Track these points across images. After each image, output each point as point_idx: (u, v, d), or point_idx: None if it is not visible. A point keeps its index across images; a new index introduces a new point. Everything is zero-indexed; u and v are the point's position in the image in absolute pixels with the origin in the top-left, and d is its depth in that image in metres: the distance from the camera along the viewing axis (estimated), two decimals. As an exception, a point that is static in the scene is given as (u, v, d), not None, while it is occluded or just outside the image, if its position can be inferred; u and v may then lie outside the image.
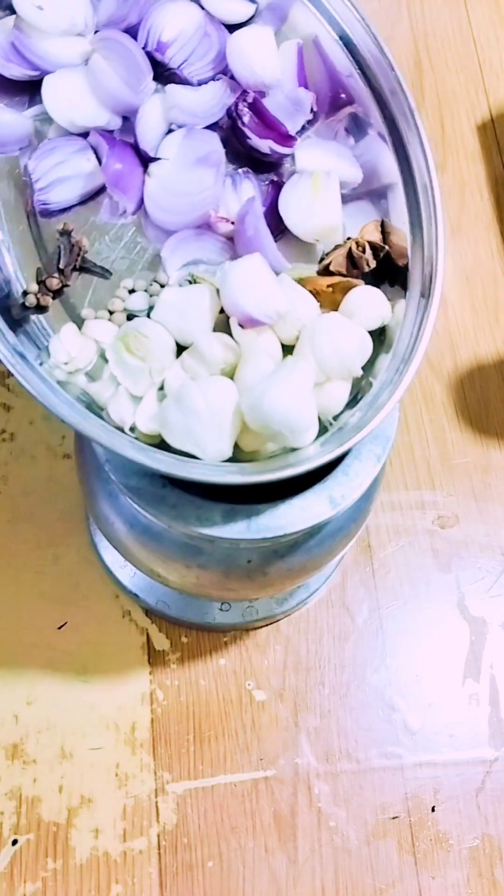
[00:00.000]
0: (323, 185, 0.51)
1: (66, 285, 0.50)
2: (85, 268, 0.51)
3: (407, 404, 0.81)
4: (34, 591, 0.73)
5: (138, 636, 0.72)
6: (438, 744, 0.71)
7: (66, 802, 0.67)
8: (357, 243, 0.51)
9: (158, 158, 0.51)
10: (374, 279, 0.51)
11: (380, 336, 0.51)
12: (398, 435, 0.74)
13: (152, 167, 0.51)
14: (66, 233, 0.51)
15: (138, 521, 0.55)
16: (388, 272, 0.52)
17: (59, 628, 0.72)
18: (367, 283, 0.51)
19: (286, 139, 0.52)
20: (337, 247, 0.52)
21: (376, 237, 0.51)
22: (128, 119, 0.53)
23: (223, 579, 0.56)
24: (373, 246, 0.51)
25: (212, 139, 0.52)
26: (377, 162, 0.53)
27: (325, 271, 0.51)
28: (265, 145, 0.52)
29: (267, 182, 0.53)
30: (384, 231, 0.52)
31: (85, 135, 0.52)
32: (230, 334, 0.49)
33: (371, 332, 0.50)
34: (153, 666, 0.71)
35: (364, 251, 0.51)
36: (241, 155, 0.53)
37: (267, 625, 0.73)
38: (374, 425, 0.47)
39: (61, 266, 0.50)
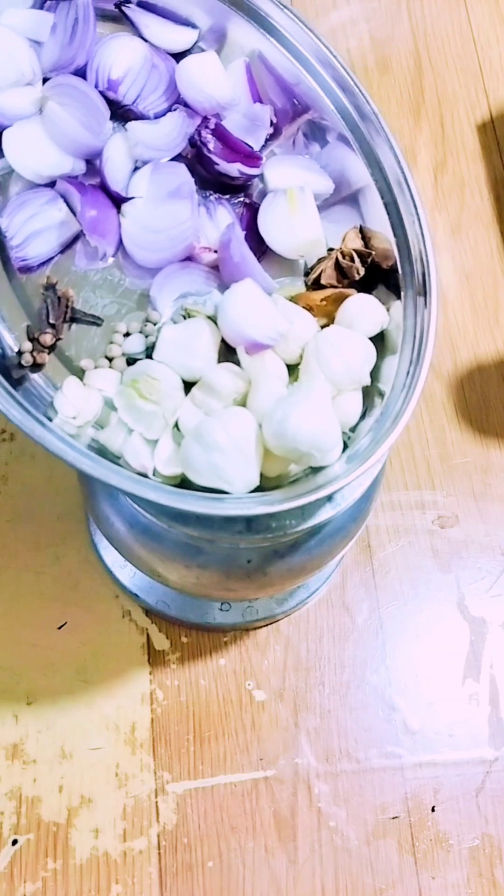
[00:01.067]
0: (299, 201, 0.51)
1: (59, 339, 0.50)
2: (75, 318, 0.51)
3: (407, 404, 0.81)
4: (34, 591, 0.73)
5: (138, 636, 0.72)
6: (438, 744, 0.71)
7: (66, 802, 0.67)
8: (343, 253, 0.51)
9: (130, 198, 0.51)
10: (361, 286, 0.51)
11: (380, 341, 0.51)
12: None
13: (126, 207, 0.51)
14: (50, 286, 0.50)
15: (138, 521, 0.55)
16: (375, 276, 0.52)
17: (59, 628, 0.72)
18: (358, 292, 0.51)
19: (252, 159, 0.53)
20: (321, 260, 0.52)
21: (359, 244, 0.51)
22: (90, 162, 0.52)
23: (223, 579, 0.56)
24: (359, 253, 0.51)
25: (180, 170, 0.52)
26: (344, 168, 0.53)
27: (317, 285, 0.51)
28: (234, 169, 0.52)
29: (239, 204, 0.53)
30: (364, 236, 0.52)
31: (51, 184, 0.52)
32: (233, 363, 0.49)
33: (371, 339, 0.50)
34: (153, 666, 0.71)
35: (352, 260, 0.50)
36: (208, 181, 0.53)
37: (267, 625, 0.73)
38: (395, 436, 0.46)
39: (51, 321, 0.50)
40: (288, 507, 0.46)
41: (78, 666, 0.71)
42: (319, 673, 0.72)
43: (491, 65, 0.95)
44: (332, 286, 0.51)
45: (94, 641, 0.72)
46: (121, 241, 0.51)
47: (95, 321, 0.51)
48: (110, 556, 0.72)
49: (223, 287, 0.51)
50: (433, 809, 0.69)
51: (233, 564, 0.55)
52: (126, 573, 0.72)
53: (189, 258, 0.52)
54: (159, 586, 0.70)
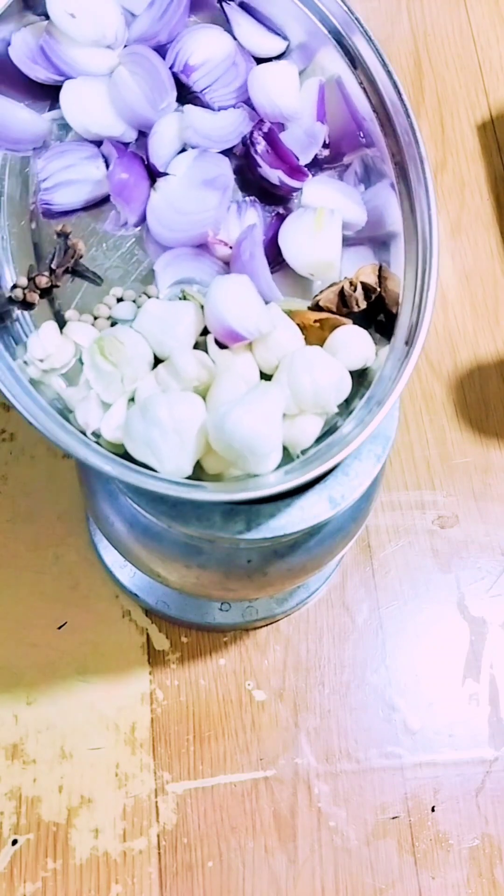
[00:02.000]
0: (326, 222, 0.51)
1: (56, 286, 0.50)
2: (77, 271, 0.51)
3: (407, 404, 0.81)
4: (34, 591, 0.73)
5: (138, 636, 0.72)
6: (438, 744, 0.71)
7: (65, 802, 0.67)
8: (350, 282, 0.51)
9: (167, 174, 0.52)
10: (363, 322, 0.51)
11: (361, 378, 0.51)
12: (398, 435, 0.74)
13: (159, 182, 0.52)
14: (63, 234, 0.51)
15: (138, 521, 0.55)
16: (380, 318, 0.52)
17: (59, 628, 0.72)
18: (355, 324, 0.51)
19: (297, 172, 0.53)
20: (331, 285, 0.52)
21: (372, 280, 0.51)
22: (144, 135, 0.53)
23: (223, 579, 0.56)
24: (365, 287, 0.51)
25: (222, 163, 0.52)
26: (384, 209, 0.53)
27: (315, 307, 0.51)
28: (275, 175, 0.52)
29: (273, 213, 0.53)
30: (381, 276, 0.52)
31: (99, 143, 0.52)
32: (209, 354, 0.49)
33: (353, 373, 0.50)
34: (153, 666, 0.71)
35: (356, 290, 0.50)
36: (252, 185, 0.53)
37: (267, 625, 0.73)
38: (337, 460, 0.46)
39: (53, 266, 0.50)
40: (212, 498, 0.46)
41: (78, 666, 0.71)
42: (319, 673, 0.72)
43: (491, 65, 0.95)
44: (330, 311, 0.51)
45: (94, 641, 0.72)
46: (145, 215, 0.52)
47: (96, 280, 0.51)
48: (110, 556, 0.72)
49: None
50: (433, 809, 0.69)
51: (233, 564, 0.55)
52: (126, 573, 0.72)
53: (205, 247, 0.52)
54: (159, 586, 0.70)
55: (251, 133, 0.52)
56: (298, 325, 0.50)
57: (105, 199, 0.52)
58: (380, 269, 0.52)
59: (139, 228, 0.52)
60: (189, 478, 0.47)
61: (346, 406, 0.50)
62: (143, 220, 0.52)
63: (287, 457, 0.49)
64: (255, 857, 0.67)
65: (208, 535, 0.50)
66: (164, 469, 0.47)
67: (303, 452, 0.50)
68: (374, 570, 0.76)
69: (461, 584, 0.76)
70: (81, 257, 0.51)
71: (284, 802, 0.68)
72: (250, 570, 0.55)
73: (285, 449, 0.48)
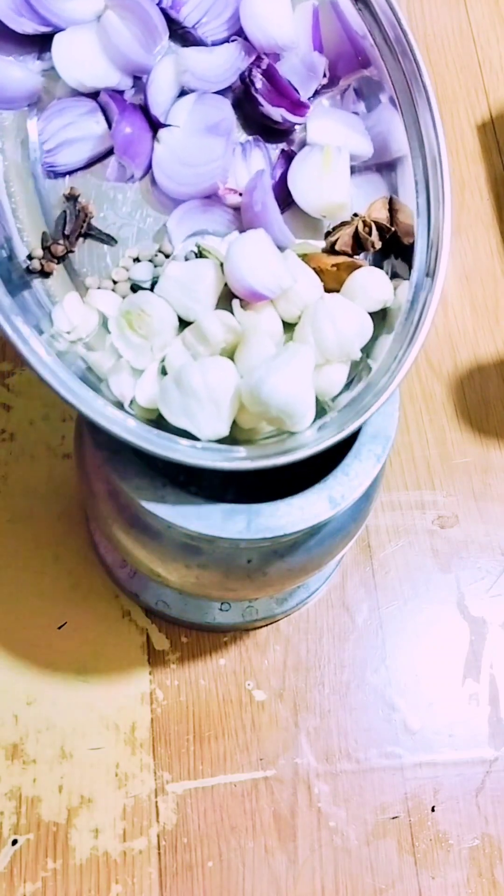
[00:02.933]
0: (333, 161, 0.51)
1: (71, 251, 0.50)
2: (90, 234, 0.50)
3: (407, 404, 0.81)
4: (34, 591, 0.73)
5: (138, 636, 0.72)
6: (438, 744, 0.71)
7: (65, 802, 0.67)
8: (364, 223, 0.50)
9: (168, 125, 0.51)
10: (375, 258, 0.51)
11: (380, 318, 0.51)
12: (398, 435, 0.74)
13: (162, 133, 0.51)
14: (72, 198, 0.50)
15: (138, 521, 0.55)
16: (390, 250, 0.51)
17: (59, 628, 0.72)
18: (371, 263, 0.51)
19: (298, 107, 0.52)
20: (343, 224, 0.51)
21: (384, 215, 0.51)
22: (137, 78, 0.52)
23: (223, 579, 0.56)
24: (379, 227, 0.50)
25: (223, 106, 0.51)
26: (388, 134, 0.52)
27: (331, 250, 0.51)
28: (277, 113, 0.51)
29: (277, 150, 0.52)
30: (392, 208, 0.51)
31: (95, 95, 0.51)
32: (233, 311, 0.49)
33: (371, 314, 0.50)
34: (153, 666, 0.71)
35: (370, 232, 0.50)
36: (251, 120, 0.52)
37: (267, 625, 0.73)
38: (374, 410, 0.47)
39: (66, 232, 0.50)
40: (248, 466, 0.47)
41: (78, 666, 0.71)
42: (319, 673, 0.72)
43: (491, 65, 0.95)
44: (346, 254, 0.51)
45: (94, 641, 0.72)
46: (150, 166, 0.51)
47: (109, 240, 0.51)
48: (110, 556, 0.72)
49: (242, 232, 0.51)
50: (433, 809, 0.69)
51: (233, 564, 0.55)
52: (126, 573, 0.72)
53: (215, 197, 0.51)
54: (159, 586, 0.70)
55: (250, 71, 0.51)
56: (315, 269, 0.50)
57: (105, 155, 0.51)
58: (390, 201, 0.52)
59: (144, 181, 0.51)
60: (223, 440, 0.48)
61: (369, 349, 0.50)
62: (147, 171, 0.51)
63: (319, 409, 0.49)
64: (255, 857, 0.67)
65: (208, 535, 0.50)
66: (203, 434, 0.48)
67: (332, 400, 0.50)
68: (374, 570, 0.76)
69: (461, 584, 0.76)
70: (93, 219, 0.50)
71: (284, 802, 0.68)
72: (250, 570, 0.55)
73: (317, 401, 0.49)
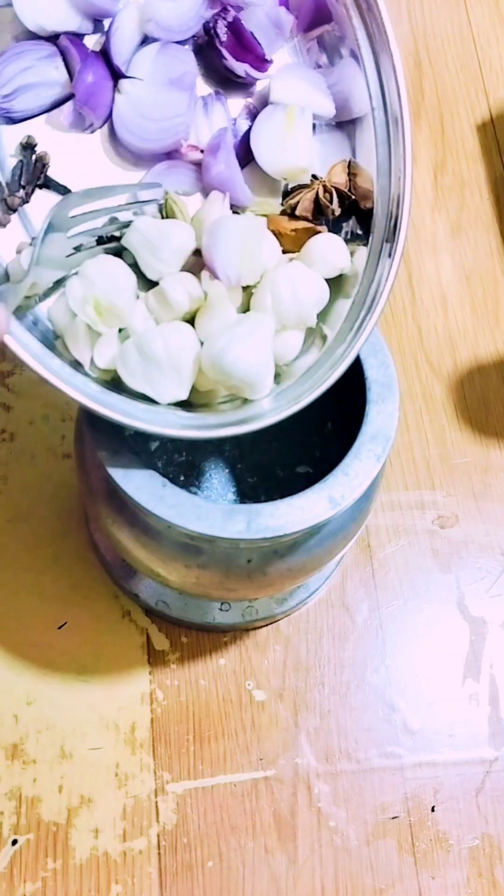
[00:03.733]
0: (297, 122, 0.50)
1: (26, 202, 0.49)
2: (47, 184, 0.49)
3: (407, 404, 0.81)
4: (34, 591, 0.73)
5: (138, 636, 0.72)
6: (438, 744, 0.71)
7: (65, 802, 0.67)
8: (324, 188, 0.50)
9: (130, 77, 0.50)
10: (333, 222, 0.51)
11: (335, 284, 0.51)
12: (398, 435, 0.74)
13: (124, 84, 0.50)
14: (29, 146, 0.49)
15: (138, 521, 0.55)
16: (349, 214, 0.51)
17: (59, 628, 0.72)
18: (329, 227, 0.51)
19: (262, 62, 0.51)
20: (303, 186, 0.51)
21: (343, 179, 0.51)
22: (98, 21, 0.50)
23: (223, 579, 0.56)
24: (339, 193, 0.50)
25: (187, 58, 0.50)
26: (350, 92, 0.51)
27: (291, 214, 0.51)
28: (241, 68, 0.51)
29: (238, 104, 0.52)
30: (351, 172, 0.51)
31: (53, 38, 0.49)
32: (196, 275, 0.49)
33: (327, 280, 0.50)
34: (153, 666, 0.71)
35: (331, 199, 0.50)
36: (213, 71, 0.51)
37: (267, 625, 0.73)
38: (331, 381, 0.47)
39: (23, 182, 0.48)
40: (205, 436, 0.47)
41: (78, 666, 0.71)
42: (319, 673, 0.72)
43: (491, 65, 0.95)
44: (306, 219, 0.51)
45: (94, 641, 0.72)
46: (109, 116, 0.50)
47: (66, 192, 0.50)
48: (110, 555, 0.72)
49: (206, 190, 0.50)
50: (433, 809, 0.69)
51: (233, 564, 0.55)
52: (126, 573, 0.72)
53: (175, 153, 0.51)
54: (159, 586, 0.70)
55: (214, 22, 0.50)
56: (274, 231, 0.50)
57: (62, 102, 0.50)
58: (349, 164, 0.51)
59: (102, 132, 0.50)
60: (181, 404, 0.49)
61: (324, 314, 0.50)
62: (107, 121, 0.50)
63: (274, 376, 0.50)
64: (255, 857, 0.67)
65: (208, 535, 0.50)
66: (162, 399, 0.48)
67: (286, 366, 0.50)
68: (374, 570, 0.76)
69: (461, 584, 0.76)
70: (49, 168, 0.49)
71: (284, 802, 0.68)
72: (250, 570, 0.55)
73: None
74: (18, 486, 0.75)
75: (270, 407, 0.49)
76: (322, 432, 0.67)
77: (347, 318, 0.50)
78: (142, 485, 0.50)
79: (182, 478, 0.71)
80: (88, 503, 0.60)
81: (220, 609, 0.70)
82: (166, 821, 0.67)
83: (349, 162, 0.51)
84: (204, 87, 0.52)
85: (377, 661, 0.73)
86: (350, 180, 0.51)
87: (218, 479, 0.71)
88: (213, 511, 0.50)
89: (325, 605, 0.74)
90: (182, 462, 0.71)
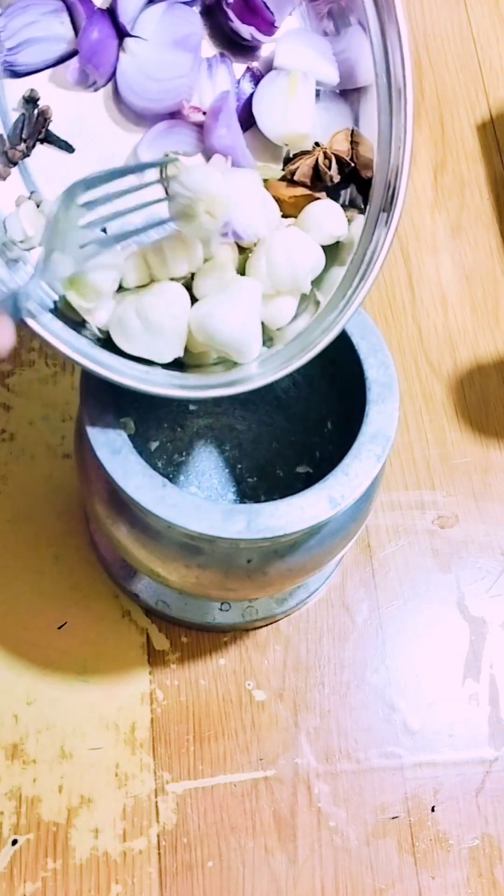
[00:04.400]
0: (300, 89, 0.50)
1: (27, 155, 0.49)
2: (49, 139, 0.49)
3: (407, 404, 0.81)
4: (34, 591, 0.73)
5: (138, 636, 0.72)
6: (438, 744, 0.71)
7: (65, 802, 0.67)
8: (325, 154, 0.50)
9: (135, 36, 0.50)
10: (332, 190, 0.51)
11: (331, 251, 0.51)
12: (398, 435, 0.74)
13: (129, 43, 0.49)
14: (32, 100, 0.49)
15: (138, 521, 0.55)
16: (348, 182, 0.51)
17: (59, 628, 0.72)
18: (328, 194, 0.51)
19: (269, 27, 0.51)
20: (304, 153, 0.51)
21: (345, 147, 0.50)
22: None
23: (223, 579, 0.56)
24: (339, 160, 0.50)
25: (193, 19, 0.50)
26: (356, 61, 0.51)
27: (290, 180, 0.51)
28: (247, 31, 0.50)
29: (243, 67, 0.51)
30: (353, 141, 0.51)
31: None
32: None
33: (323, 247, 0.50)
34: (153, 666, 0.71)
35: (330, 166, 0.50)
36: (218, 32, 0.51)
37: (267, 625, 0.73)
38: (321, 346, 0.47)
39: (24, 136, 0.48)
40: (196, 396, 0.48)
41: (78, 666, 0.71)
42: (319, 673, 0.72)
43: (491, 65, 0.95)
44: (305, 185, 0.51)
45: (94, 641, 0.72)
46: (113, 75, 0.50)
47: (67, 147, 0.50)
48: (110, 556, 0.72)
49: (207, 152, 0.50)
50: (433, 809, 0.69)
51: (233, 564, 0.55)
52: (126, 573, 0.72)
53: (177, 114, 0.51)
54: (159, 586, 0.70)
55: None
56: (273, 197, 0.51)
57: (66, 58, 0.50)
58: (352, 133, 0.51)
59: (105, 91, 0.50)
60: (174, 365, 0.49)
61: (318, 282, 0.50)
62: (110, 80, 0.50)
63: (265, 339, 0.50)
64: (255, 857, 0.67)
65: (208, 535, 0.50)
66: (162, 359, 0.49)
67: (278, 330, 0.51)
68: (374, 570, 0.76)
69: (461, 584, 0.76)
70: (51, 122, 0.49)
71: (284, 802, 0.68)
72: (250, 570, 0.55)
73: (264, 330, 0.50)
74: (18, 486, 0.75)
75: (259, 371, 0.49)
76: (322, 432, 0.67)
77: (341, 286, 0.50)
78: (142, 485, 0.50)
79: (182, 478, 0.71)
80: (88, 503, 0.60)
81: (220, 609, 0.70)
82: (166, 821, 0.67)
83: (352, 131, 0.51)
84: (209, 49, 0.51)
85: (377, 661, 0.73)
86: (352, 149, 0.50)
87: (218, 479, 0.71)
88: (213, 511, 0.50)
89: (325, 605, 0.74)
90: (182, 462, 0.71)
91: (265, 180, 0.51)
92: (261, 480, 0.70)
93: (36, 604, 0.72)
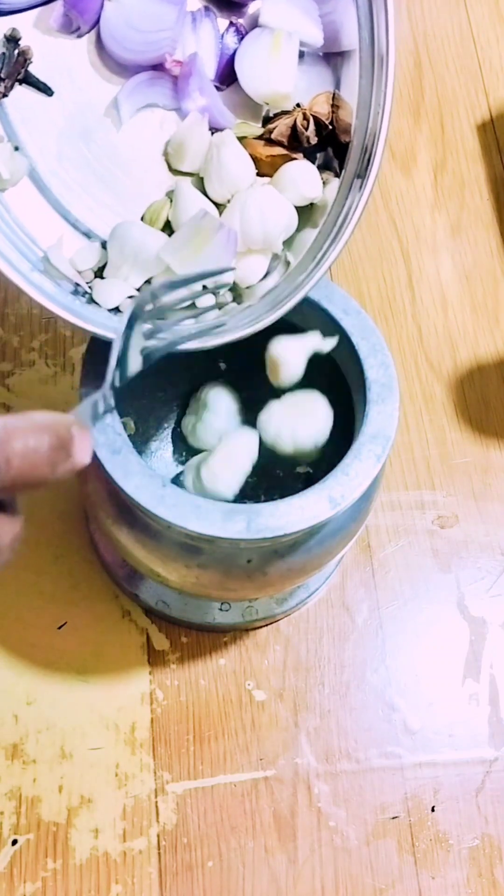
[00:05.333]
0: (283, 48, 0.50)
1: (5, 95, 0.48)
2: (28, 80, 0.49)
3: (407, 404, 0.81)
4: (34, 591, 0.73)
5: (138, 636, 0.72)
6: (438, 744, 0.71)
7: (65, 802, 0.67)
8: (304, 115, 0.50)
9: None
10: (308, 152, 0.51)
11: (304, 212, 0.51)
12: (398, 435, 0.74)
13: None
14: (13, 39, 0.48)
15: (138, 521, 0.55)
16: (325, 145, 0.51)
17: (59, 628, 0.72)
18: (305, 155, 0.51)
19: None
20: (284, 113, 0.51)
21: (325, 110, 0.50)
22: None
23: (223, 579, 0.56)
24: (318, 122, 0.50)
25: None
26: (341, 24, 0.50)
27: (268, 139, 0.51)
28: None
29: (227, 22, 0.51)
30: (334, 104, 0.51)
31: None
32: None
33: (298, 208, 0.50)
34: (153, 666, 0.71)
35: (308, 127, 0.50)
36: None
37: (267, 625, 0.73)
38: (291, 305, 0.47)
39: (3, 75, 0.48)
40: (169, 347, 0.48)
41: (78, 666, 0.71)
42: (319, 673, 0.72)
43: (491, 65, 0.95)
44: (282, 144, 0.51)
45: (94, 641, 0.72)
46: (97, 23, 0.50)
47: (46, 90, 0.49)
48: (110, 556, 0.72)
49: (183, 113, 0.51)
50: (433, 809, 0.69)
51: (233, 564, 0.55)
52: (126, 573, 0.72)
53: (159, 66, 0.50)
54: (159, 586, 0.70)
55: None
56: (251, 155, 0.51)
57: (49, 1, 0.49)
58: (333, 97, 0.51)
59: (88, 38, 0.50)
60: None
61: (290, 242, 0.51)
62: (94, 27, 0.50)
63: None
64: (255, 857, 0.67)
65: (208, 535, 0.50)
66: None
67: (247, 288, 0.51)
68: (374, 570, 0.76)
69: (461, 584, 0.76)
70: (31, 63, 0.48)
71: (284, 802, 0.68)
72: (250, 570, 0.55)
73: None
74: (18, 486, 0.75)
75: (230, 326, 0.49)
76: (322, 432, 0.67)
77: (311, 248, 0.50)
78: (142, 485, 0.50)
79: (182, 477, 0.71)
80: (88, 503, 0.60)
81: (220, 609, 0.70)
82: (166, 821, 0.67)
83: (333, 94, 0.51)
84: (195, 2, 0.51)
85: (377, 661, 0.73)
86: (333, 112, 0.50)
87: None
88: (213, 511, 0.50)
89: (325, 605, 0.74)
90: (182, 462, 0.71)
91: (243, 138, 0.51)
92: (261, 480, 0.70)
93: (36, 604, 0.72)
